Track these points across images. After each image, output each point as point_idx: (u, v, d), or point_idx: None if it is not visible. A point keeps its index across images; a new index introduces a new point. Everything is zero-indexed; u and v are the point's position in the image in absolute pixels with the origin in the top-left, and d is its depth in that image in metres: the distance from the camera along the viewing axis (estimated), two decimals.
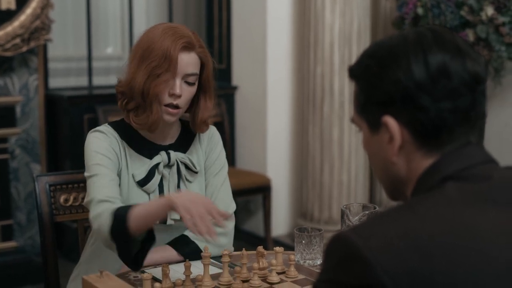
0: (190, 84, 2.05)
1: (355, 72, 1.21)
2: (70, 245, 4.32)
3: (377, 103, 1.15)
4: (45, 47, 4.48)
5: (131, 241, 1.85)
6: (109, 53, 5.40)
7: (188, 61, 2.03)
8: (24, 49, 4.20)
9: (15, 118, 4.25)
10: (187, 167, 2.13)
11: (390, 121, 1.13)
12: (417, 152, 1.14)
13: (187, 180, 2.13)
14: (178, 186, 2.11)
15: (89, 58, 4.92)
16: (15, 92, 4.34)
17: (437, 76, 1.10)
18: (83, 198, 2.29)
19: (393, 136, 1.13)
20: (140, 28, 4.93)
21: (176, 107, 2.04)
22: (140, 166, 2.08)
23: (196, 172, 2.15)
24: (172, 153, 2.11)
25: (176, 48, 1.99)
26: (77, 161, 4.52)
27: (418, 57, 1.11)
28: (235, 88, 5.06)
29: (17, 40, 4.14)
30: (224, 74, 5.02)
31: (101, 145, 2.03)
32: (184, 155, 2.13)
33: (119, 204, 1.94)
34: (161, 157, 2.09)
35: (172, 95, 2.02)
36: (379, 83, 1.14)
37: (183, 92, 2.03)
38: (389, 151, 1.15)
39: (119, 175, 2.05)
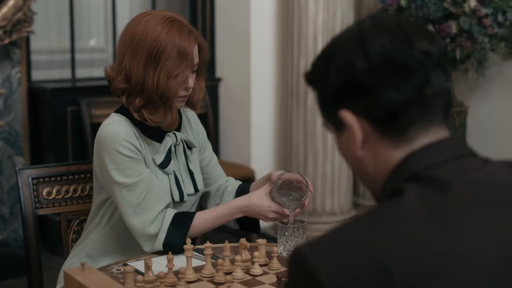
0: (194, 71, 2.11)
1: (309, 76, 1.18)
2: (54, 238, 4.31)
3: (331, 101, 1.12)
4: (27, 39, 4.44)
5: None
6: (92, 45, 5.37)
7: (196, 52, 2.08)
8: (7, 41, 4.16)
9: None
10: (187, 145, 2.19)
11: (346, 114, 1.09)
12: (381, 142, 1.09)
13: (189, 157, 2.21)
14: (187, 164, 2.18)
15: (72, 50, 4.88)
16: None
17: (378, 56, 1.06)
18: (66, 191, 2.29)
19: (352, 128, 1.10)
20: (123, 19, 4.91)
21: (187, 95, 2.12)
22: (155, 150, 2.11)
23: (192, 148, 2.22)
24: (177, 133, 2.16)
25: (190, 45, 2.04)
26: (60, 153, 4.52)
27: (356, 43, 1.09)
28: (218, 80, 5.05)
29: None
30: (207, 66, 5.00)
31: (126, 145, 2.02)
32: (183, 135, 2.19)
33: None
34: (171, 138, 2.13)
35: (186, 88, 2.08)
36: (327, 79, 1.11)
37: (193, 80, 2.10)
38: (354, 147, 1.11)
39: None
